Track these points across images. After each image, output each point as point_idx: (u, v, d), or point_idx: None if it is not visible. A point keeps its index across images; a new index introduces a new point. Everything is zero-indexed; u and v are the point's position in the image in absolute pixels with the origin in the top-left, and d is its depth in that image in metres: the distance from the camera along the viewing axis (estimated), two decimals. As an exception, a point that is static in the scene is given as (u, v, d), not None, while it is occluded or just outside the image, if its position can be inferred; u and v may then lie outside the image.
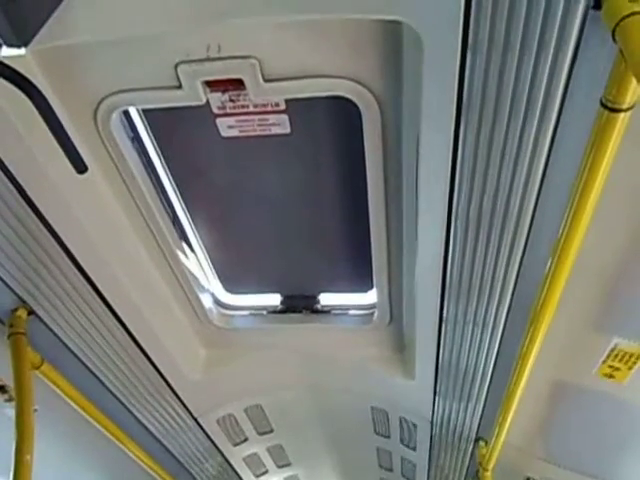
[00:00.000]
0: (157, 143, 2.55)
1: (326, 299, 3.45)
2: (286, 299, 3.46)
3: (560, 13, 1.45)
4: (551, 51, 1.54)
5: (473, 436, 3.69)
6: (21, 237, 2.33)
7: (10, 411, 2.68)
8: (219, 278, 3.39)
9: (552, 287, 2.10)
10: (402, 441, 4.34)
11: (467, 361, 2.95)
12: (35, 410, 2.59)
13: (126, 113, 2.36)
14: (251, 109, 2.24)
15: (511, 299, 2.48)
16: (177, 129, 2.47)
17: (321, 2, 1.63)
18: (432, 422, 3.71)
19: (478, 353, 2.86)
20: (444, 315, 2.68)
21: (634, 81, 1.35)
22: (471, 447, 3.83)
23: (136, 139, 2.49)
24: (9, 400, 3.01)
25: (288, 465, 5.42)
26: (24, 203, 2.20)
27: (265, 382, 3.88)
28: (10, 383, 2.80)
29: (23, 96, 1.47)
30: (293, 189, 2.79)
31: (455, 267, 2.39)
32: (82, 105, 2.18)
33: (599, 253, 2.13)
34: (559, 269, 2.01)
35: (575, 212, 1.79)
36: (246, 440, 4.66)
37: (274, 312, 3.48)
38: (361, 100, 2.07)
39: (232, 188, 2.82)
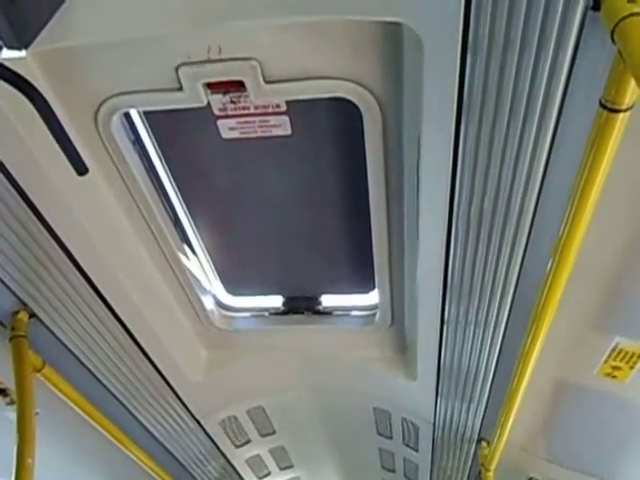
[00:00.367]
0: (158, 145, 2.56)
1: (328, 300, 3.45)
2: (288, 300, 3.47)
3: (559, 14, 1.46)
4: (550, 52, 1.55)
5: (475, 437, 3.69)
6: (22, 240, 2.33)
7: (11, 414, 2.66)
8: (221, 280, 3.39)
9: (553, 287, 2.10)
10: (404, 442, 4.34)
11: (469, 362, 2.95)
12: (37, 413, 2.59)
13: (127, 115, 2.37)
14: (252, 111, 2.25)
15: (512, 299, 2.49)
16: (178, 131, 2.48)
17: (321, 4, 1.64)
18: (434, 423, 3.71)
19: (480, 354, 2.86)
20: (446, 316, 2.68)
21: (633, 81, 1.36)
22: (473, 448, 3.83)
23: (137, 141, 2.50)
24: (10, 403, 3.01)
25: (290, 467, 5.42)
26: (25, 205, 2.21)
27: (267, 384, 3.88)
28: (11, 386, 2.80)
29: (24, 98, 1.48)
30: (294, 190, 2.80)
31: (456, 267, 2.40)
32: (83, 107, 2.19)
33: (600, 252, 2.13)
34: (560, 269, 2.02)
35: (575, 212, 1.80)
36: (248, 442, 4.66)
37: (276, 313, 3.48)
38: (362, 101, 2.08)
39: (233, 190, 2.82)
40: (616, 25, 1.29)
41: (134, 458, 3.84)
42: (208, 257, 3.23)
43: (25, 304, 2.64)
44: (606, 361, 2.57)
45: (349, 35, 1.87)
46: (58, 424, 3.31)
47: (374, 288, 3.12)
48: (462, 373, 3.07)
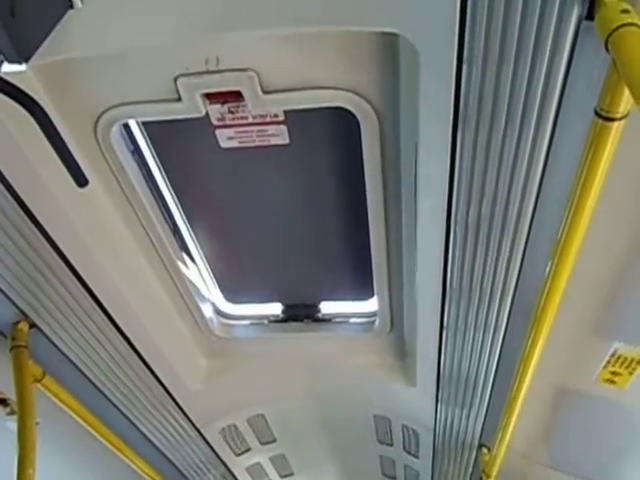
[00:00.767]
0: (157, 155, 2.57)
1: (327, 307, 3.46)
2: (287, 308, 3.47)
3: (554, 24, 1.47)
4: (545, 61, 1.56)
5: (476, 443, 3.69)
6: (23, 250, 2.34)
7: (12, 424, 2.66)
8: (220, 288, 3.40)
9: (552, 292, 2.11)
10: (405, 449, 4.33)
11: (468, 367, 2.95)
12: (37, 423, 2.59)
13: (126, 126, 2.38)
14: (250, 120, 2.26)
15: (511, 304, 2.49)
16: (177, 141, 2.49)
17: (319, 15, 1.65)
18: (435, 429, 3.70)
19: (479, 359, 2.87)
20: (445, 321, 2.69)
21: (627, 90, 1.37)
22: (474, 454, 3.83)
23: (136, 151, 2.51)
24: (11, 413, 3.00)
25: (291, 474, 5.40)
26: (25, 216, 2.22)
27: (267, 391, 3.87)
28: (12, 396, 2.80)
29: (24, 111, 1.49)
30: (293, 199, 2.81)
31: (455, 273, 2.40)
32: (82, 118, 2.20)
33: (598, 258, 2.14)
34: (558, 274, 2.02)
35: (573, 217, 1.81)
36: (249, 450, 4.65)
37: (275, 321, 3.48)
38: (359, 111, 2.09)
39: (232, 198, 2.83)
40: (610, 35, 1.30)
41: (134, 467, 3.83)
42: (207, 265, 3.23)
43: (25, 314, 2.65)
44: (605, 367, 2.57)
45: (346, 45, 1.88)
46: (59, 434, 3.30)
47: (373, 295, 3.13)
48: (462, 379, 3.07)
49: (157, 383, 3.35)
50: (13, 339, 2.66)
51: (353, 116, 2.13)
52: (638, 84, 1.22)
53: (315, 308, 3.45)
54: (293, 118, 2.25)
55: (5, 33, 1.37)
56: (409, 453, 4.35)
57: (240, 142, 2.37)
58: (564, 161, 1.81)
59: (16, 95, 1.47)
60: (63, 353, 2.88)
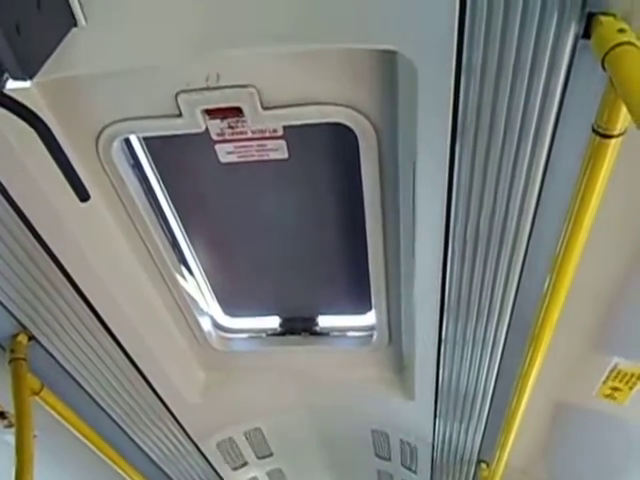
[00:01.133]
0: (157, 169, 2.58)
1: (325, 321, 3.44)
2: (285, 321, 3.46)
3: (550, 42, 1.49)
4: (543, 78, 1.58)
5: (475, 458, 3.66)
6: (22, 263, 2.34)
7: (10, 437, 2.66)
8: (218, 301, 3.39)
9: (550, 307, 2.11)
10: (403, 464, 4.30)
11: (467, 381, 2.94)
12: (35, 436, 2.58)
13: (127, 140, 2.39)
14: (249, 135, 2.27)
15: (510, 319, 2.49)
16: (177, 155, 2.50)
17: (318, 33, 1.66)
18: (433, 444, 3.68)
19: (478, 373, 2.85)
20: (443, 335, 2.68)
21: (624, 108, 1.38)
22: (473, 469, 3.80)
23: (137, 166, 2.52)
24: (9, 426, 2.99)
25: (288, 489, 5.36)
26: (26, 229, 2.22)
27: (264, 405, 3.85)
28: (10, 409, 2.79)
29: (27, 126, 1.50)
30: (291, 213, 2.81)
31: (453, 288, 2.40)
32: (84, 134, 2.21)
33: (597, 273, 2.14)
34: (557, 289, 2.03)
35: (571, 233, 1.81)
36: (245, 464, 4.60)
37: (273, 334, 3.47)
38: (358, 126, 2.11)
39: (231, 212, 2.84)
40: (606, 53, 1.32)
41: (131, 481, 3.80)
42: (206, 279, 3.22)
43: (24, 327, 2.64)
44: (605, 382, 2.55)
45: (345, 62, 1.90)
46: (56, 447, 3.29)
47: (371, 309, 3.12)
48: (460, 393, 3.05)
49: (155, 396, 3.34)
50: (12, 351, 2.65)
51: (352, 131, 2.14)
52: (635, 102, 1.23)
53: (313, 322, 3.44)
54: (292, 133, 2.26)
55: (10, 50, 1.38)
56: (407, 468, 4.31)
57: (239, 157, 2.37)
58: (562, 177, 1.81)
59: (20, 112, 1.48)
60: (61, 366, 2.87)
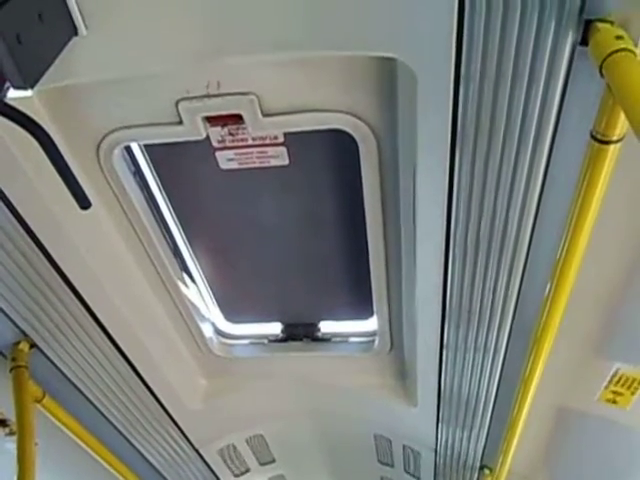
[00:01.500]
0: (158, 176, 2.59)
1: (327, 327, 3.44)
2: (287, 327, 3.46)
3: (549, 49, 1.50)
4: (541, 85, 1.59)
5: (477, 464, 3.65)
6: (24, 271, 2.34)
7: (11, 445, 2.64)
8: (220, 307, 3.39)
9: (552, 312, 2.11)
10: (406, 470, 4.28)
11: (469, 387, 2.93)
12: (36, 444, 2.57)
13: (127, 148, 2.40)
14: (250, 142, 2.28)
15: (511, 324, 2.49)
16: (177, 162, 2.51)
17: (318, 40, 1.68)
18: (436, 450, 3.67)
19: (480, 379, 2.85)
20: (445, 341, 2.68)
21: (622, 114, 1.39)
22: (476, 475, 3.78)
23: (137, 173, 2.53)
24: (10, 434, 2.98)
25: (291, 496, 5.34)
26: (28, 237, 2.23)
27: (266, 411, 3.85)
28: (11, 417, 2.78)
29: (29, 135, 1.51)
30: (292, 219, 2.82)
31: (455, 293, 2.40)
32: (85, 142, 2.22)
33: (598, 278, 2.14)
34: (558, 294, 2.03)
35: (571, 238, 1.81)
36: (248, 471, 4.59)
37: (275, 341, 3.47)
38: (358, 132, 2.11)
39: (232, 219, 2.85)
40: (604, 60, 1.33)
41: (133, 488, 3.80)
42: (207, 285, 3.23)
43: (26, 334, 2.64)
44: (607, 387, 2.55)
45: (345, 69, 1.91)
46: (58, 454, 3.28)
47: (372, 314, 3.12)
48: (463, 399, 3.04)
49: (156, 403, 3.34)
50: (13, 359, 2.65)
51: (352, 138, 2.15)
52: (633, 108, 1.23)
53: (315, 327, 3.44)
54: (292, 140, 2.27)
55: (12, 60, 1.39)
56: (410, 474, 4.30)
57: (240, 163, 2.39)
58: (561, 183, 1.82)
59: (21, 120, 1.49)
60: (63, 373, 2.87)
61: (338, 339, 3.42)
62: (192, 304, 3.15)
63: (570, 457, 3.21)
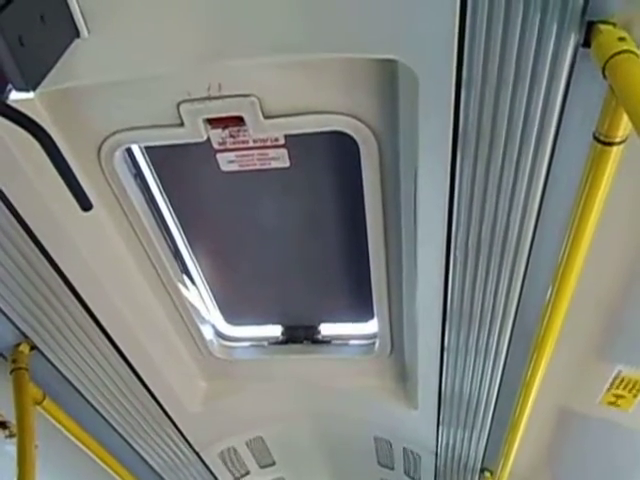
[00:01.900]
0: (159, 178, 2.59)
1: (327, 329, 3.44)
2: (287, 330, 3.45)
3: (551, 50, 1.49)
4: (543, 86, 1.58)
5: (478, 466, 3.64)
6: (25, 272, 2.34)
7: (11, 447, 2.64)
8: (220, 310, 3.39)
9: (553, 315, 2.10)
10: (406, 472, 4.27)
11: (470, 390, 2.93)
12: (36, 446, 2.57)
13: (129, 150, 2.40)
14: (251, 144, 2.28)
15: (512, 327, 2.48)
16: (178, 164, 2.51)
17: (320, 43, 1.67)
18: (436, 453, 3.66)
19: (481, 382, 2.84)
20: (446, 344, 2.67)
21: (625, 115, 1.39)
22: (477, 478, 3.77)
23: (138, 175, 2.53)
24: (10, 436, 2.98)
25: (291, 498, 5.33)
26: (28, 239, 2.22)
27: (266, 414, 3.84)
28: (11, 419, 2.78)
29: (29, 136, 1.50)
30: (293, 221, 2.82)
31: (455, 296, 2.40)
32: (86, 144, 2.22)
33: (599, 281, 2.14)
34: (559, 297, 2.02)
35: (573, 241, 1.81)
36: (248, 473, 4.58)
37: (275, 343, 3.47)
38: (359, 135, 2.11)
39: (232, 221, 2.84)
40: (607, 62, 1.32)
41: (133, 491, 3.79)
42: (207, 287, 3.23)
43: (26, 336, 2.64)
44: (609, 390, 2.55)
45: (346, 71, 1.91)
46: (58, 457, 3.28)
47: (373, 317, 3.12)
48: (463, 401, 3.04)
49: (156, 405, 3.33)
50: (14, 361, 2.65)
51: (353, 140, 2.14)
52: (636, 110, 1.23)
53: (315, 330, 3.43)
54: (293, 142, 2.27)
55: (14, 62, 1.39)
56: (411, 477, 4.29)
57: (241, 165, 2.38)
58: (563, 185, 1.81)
59: (23, 122, 1.49)
60: (63, 375, 2.87)
61: (338, 341, 3.42)
62: (192, 306, 3.15)
63: (572, 460, 3.20)
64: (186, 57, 1.76)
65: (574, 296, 2.02)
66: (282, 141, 2.27)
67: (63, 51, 1.58)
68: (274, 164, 2.37)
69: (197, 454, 3.98)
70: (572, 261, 1.86)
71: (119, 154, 2.28)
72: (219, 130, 2.19)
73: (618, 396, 2.56)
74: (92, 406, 3.13)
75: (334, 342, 3.42)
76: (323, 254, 3.02)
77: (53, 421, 2.95)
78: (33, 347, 2.69)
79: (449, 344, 2.66)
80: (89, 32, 1.63)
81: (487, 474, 3.63)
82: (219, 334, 3.45)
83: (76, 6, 1.57)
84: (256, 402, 3.67)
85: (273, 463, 4.58)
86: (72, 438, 3.10)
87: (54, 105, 2.04)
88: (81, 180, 1.62)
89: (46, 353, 2.74)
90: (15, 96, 1.48)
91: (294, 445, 4.32)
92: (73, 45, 1.62)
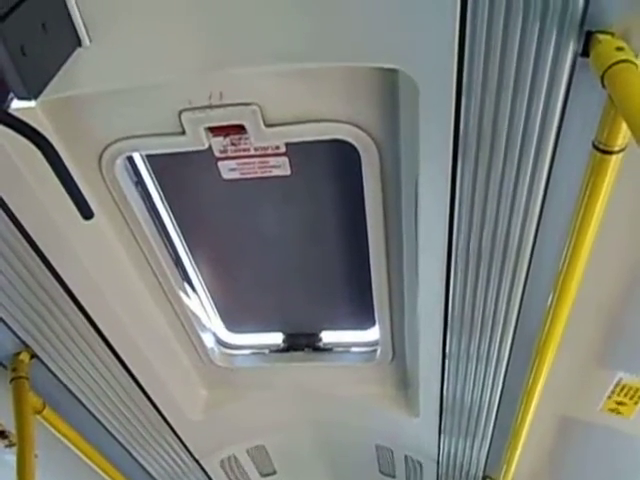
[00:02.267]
0: (160, 186, 2.60)
1: (328, 337, 3.45)
2: (288, 337, 3.46)
3: (550, 60, 1.51)
4: (543, 95, 1.60)
5: (480, 474, 3.64)
6: (25, 280, 2.34)
7: (11, 457, 2.64)
8: (221, 317, 3.39)
9: (554, 322, 2.11)
10: (408, 481, 4.28)
11: (472, 397, 2.93)
12: (36, 456, 2.56)
13: (130, 158, 2.41)
14: (252, 152, 2.30)
15: (514, 334, 2.49)
16: (179, 172, 2.52)
17: (321, 52, 1.69)
18: (438, 461, 3.66)
19: (482, 389, 2.85)
20: (447, 351, 2.68)
21: (624, 124, 1.40)
22: (479, 486, 3.78)
23: (139, 183, 2.54)
24: (10, 445, 2.98)
25: (292, 507, 5.32)
26: (28, 247, 2.23)
27: (268, 422, 3.84)
28: (11, 428, 2.78)
29: (30, 144, 1.51)
30: (294, 229, 2.83)
31: (457, 303, 2.41)
32: (87, 152, 2.23)
33: (600, 288, 2.15)
34: (560, 304, 2.03)
35: (573, 248, 1.82)
36: None
37: (276, 351, 3.47)
38: (360, 143, 2.13)
39: (233, 228, 2.85)
40: (605, 71, 1.34)
41: (132, 500, 3.78)
42: (208, 295, 3.24)
43: (26, 345, 2.64)
44: (610, 397, 2.55)
45: (347, 80, 1.92)
46: (58, 466, 3.28)
47: (374, 324, 3.13)
48: (465, 409, 3.04)
49: (157, 414, 3.33)
50: (14, 370, 2.64)
51: (354, 148, 2.16)
52: (635, 119, 1.24)
53: (316, 337, 3.44)
54: (294, 150, 2.28)
55: (15, 71, 1.40)
56: (412, 485, 4.30)
57: (242, 173, 2.40)
58: (564, 192, 1.83)
59: (25, 131, 1.50)
60: (64, 384, 2.87)
61: (340, 349, 3.43)
62: (193, 314, 3.15)
63: (574, 467, 3.20)
64: (188, 66, 1.78)
65: (575, 303, 2.03)
66: (283, 149, 2.28)
67: (65, 60, 1.60)
68: (275, 172, 2.38)
69: (198, 462, 3.97)
70: (572, 268, 1.87)
71: (120, 162, 2.30)
72: (220, 138, 2.21)
73: (619, 403, 2.56)
74: (92, 415, 3.13)
75: (335, 349, 3.43)
76: (324, 261, 3.03)
77: (53, 430, 2.94)
78: (33, 356, 2.69)
79: (450, 351, 2.66)
80: (91, 41, 1.64)
81: (489, 482, 3.63)
82: (220, 342, 3.45)
83: (78, 15, 1.59)
84: (257, 410, 3.67)
85: (274, 472, 4.56)
86: (72, 447, 3.10)
87: (55, 113, 2.05)
88: (82, 188, 1.62)
89: (46, 362, 2.73)
90: (16, 105, 1.49)
91: (295, 453, 4.31)
92: (75, 54, 1.63)
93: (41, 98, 1.52)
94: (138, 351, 2.92)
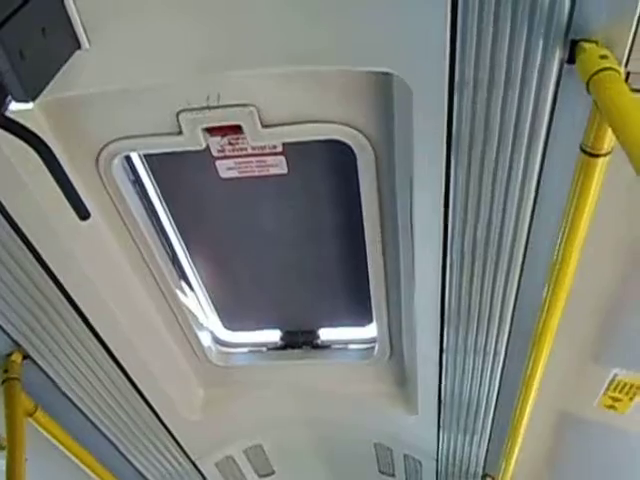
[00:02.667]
0: (158, 185, 2.70)
1: (326, 334, 3.55)
2: (286, 335, 3.56)
3: (537, 67, 1.64)
4: (531, 100, 1.72)
5: (480, 471, 3.75)
6: (19, 280, 2.41)
7: (0, 461, 2.66)
8: (218, 315, 3.48)
9: (549, 316, 2.22)
10: (408, 480, 4.40)
11: (470, 392, 3.04)
12: (26, 460, 2.59)
13: (127, 157, 2.51)
14: (249, 151, 2.41)
15: (510, 328, 2.60)
16: (177, 172, 2.61)
17: (316, 55, 1.80)
18: (437, 458, 3.76)
19: (480, 383, 2.96)
20: (444, 345, 2.78)
21: (610, 129, 1.52)
22: (478, 484, 3.90)
23: (137, 182, 2.63)
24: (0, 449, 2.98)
25: (290, 508, 5.39)
26: (24, 246, 2.30)
27: (265, 421, 3.92)
28: (1, 431, 2.75)
29: (28, 146, 1.59)
30: (291, 227, 2.93)
31: (453, 298, 2.52)
32: (85, 152, 2.32)
33: (593, 285, 2.27)
34: (554, 299, 2.15)
35: (566, 245, 1.94)
36: None
37: (274, 348, 3.57)
38: (355, 143, 2.24)
39: (231, 227, 2.95)
40: (590, 78, 1.46)
41: (127, 503, 3.82)
42: (206, 293, 3.32)
43: (19, 345, 2.68)
44: (605, 393, 2.67)
45: (343, 82, 2.04)
46: (49, 471, 3.30)
47: (372, 321, 3.24)
48: (464, 404, 3.15)
49: (152, 414, 3.40)
50: (5, 371, 2.67)
51: (350, 148, 2.27)
52: (618, 124, 1.36)
53: (314, 335, 3.54)
54: (291, 149, 2.39)
55: (14, 74, 1.47)
56: (412, 484, 4.40)
57: (240, 172, 2.50)
58: (554, 192, 1.95)
59: (21, 133, 1.58)
60: (57, 385, 2.92)
61: (337, 346, 3.53)
62: (190, 312, 3.24)
63: (572, 463, 3.32)
64: (186, 68, 1.88)
65: (569, 300, 2.14)
66: (280, 148, 2.39)
67: (64, 63, 1.68)
68: (272, 171, 2.49)
69: (193, 463, 4.03)
70: (565, 265, 1.99)
71: (117, 162, 2.39)
72: (218, 138, 2.31)
73: (615, 399, 2.67)
74: (86, 417, 3.18)
75: (333, 347, 3.53)
76: (321, 259, 3.13)
77: (45, 433, 2.96)
78: (26, 356, 2.72)
79: (448, 346, 2.77)
80: (90, 43, 1.73)
81: (488, 479, 3.73)
82: (217, 340, 3.53)
83: (77, 18, 1.68)
84: (254, 408, 3.74)
85: (272, 472, 4.64)
86: (65, 451, 3.12)
87: (53, 113, 2.14)
88: (79, 188, 1.70)
89: (39, 362, 2.78)
90: (14, 106, 1.57)
91: (293, 453, 4.38)
92: (74, 56, 1.72)
93: (39, 99, 1.59)
94: (133, 350, 2.99)
